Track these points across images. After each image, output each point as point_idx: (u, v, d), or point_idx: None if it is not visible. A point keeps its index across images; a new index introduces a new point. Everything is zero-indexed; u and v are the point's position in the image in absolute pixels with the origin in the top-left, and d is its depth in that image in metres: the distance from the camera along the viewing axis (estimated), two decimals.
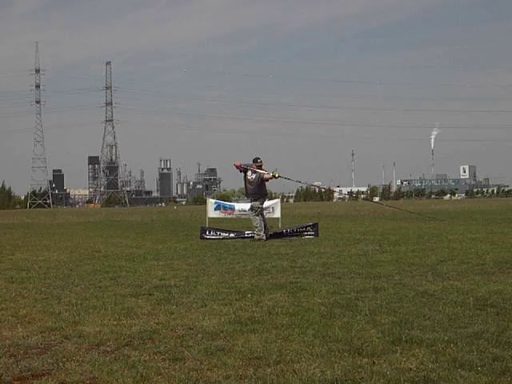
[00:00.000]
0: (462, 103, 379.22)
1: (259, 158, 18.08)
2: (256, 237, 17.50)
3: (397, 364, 4.81)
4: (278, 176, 18.25)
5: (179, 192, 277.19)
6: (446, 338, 5.46)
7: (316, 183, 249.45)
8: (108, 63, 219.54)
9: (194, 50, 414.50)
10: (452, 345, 5.25)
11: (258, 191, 17.96)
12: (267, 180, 18.03)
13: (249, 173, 17.95)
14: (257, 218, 17.65)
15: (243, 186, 18.63)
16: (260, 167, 17.98)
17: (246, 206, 20.43)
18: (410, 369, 4.69)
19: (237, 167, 18.17)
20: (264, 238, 17.40)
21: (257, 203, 17.83)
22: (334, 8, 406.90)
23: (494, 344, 5.27)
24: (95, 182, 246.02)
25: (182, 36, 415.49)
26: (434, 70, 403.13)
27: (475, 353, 5.02)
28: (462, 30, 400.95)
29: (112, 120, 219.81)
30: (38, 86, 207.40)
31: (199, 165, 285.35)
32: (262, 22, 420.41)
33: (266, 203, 19.54)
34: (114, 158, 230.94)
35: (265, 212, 18.86)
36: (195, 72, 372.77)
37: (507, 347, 5.18)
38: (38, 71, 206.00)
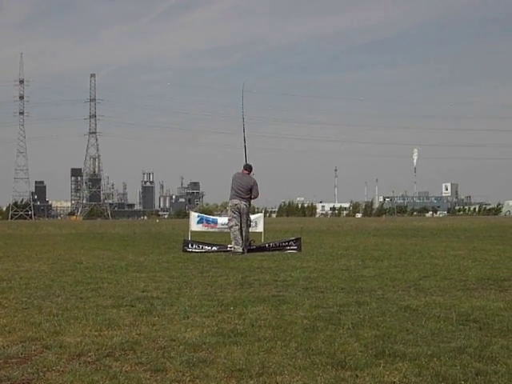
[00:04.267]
0: (445, 121, 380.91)
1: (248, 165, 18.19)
2: (232, 249, 17.47)
3: (380, 377, 4.79)
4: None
5: (162, 205, 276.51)
6: (429, 352, 5.45)
7: (299, 199, 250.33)
8: (93, 75, 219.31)
9: (180, 64, 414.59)
10: (435, 359, 5.25)
11: (247, 193, 17.87)
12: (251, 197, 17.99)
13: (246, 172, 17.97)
14: (236, 228, 17.55)
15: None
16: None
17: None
18: (394, 382, 4.68)
19: None
20: (240, 250, 17.32)
21: (244, 205, 17.74)
22: (319, 25, 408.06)
23: (476, 358, 5.27)
24: (77, 194, 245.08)
25: (168, 49, 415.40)
26: (417, 88, 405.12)
27: (458, 367, 5.02)
28: (445, 48, 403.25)
29: (95, 132, 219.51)
30: (21, 97, 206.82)
31: (182, 178, 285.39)
32: (248, 36, 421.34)
33: (251, 217, 19.46)
34: (96, 170, 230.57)
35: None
36: (180, 86, 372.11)
37: (490, 362, 5.18)
38: (21, 82, 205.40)
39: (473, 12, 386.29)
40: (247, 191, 17.86)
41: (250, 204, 18.18)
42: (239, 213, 17.75)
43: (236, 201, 17.80)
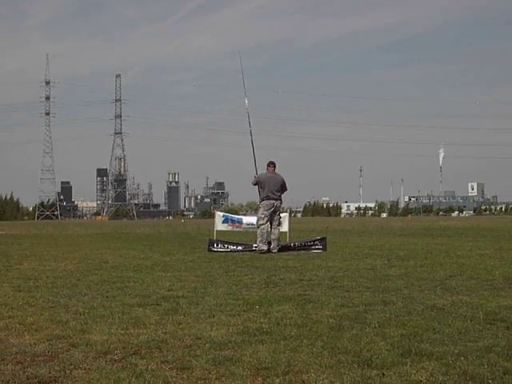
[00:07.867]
0: (470, 120, 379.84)
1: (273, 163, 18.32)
2: (257, 247, 17.56)
3: (406, 376, 4.76)
4: None
5: (187, 205, 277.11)
6: (456, 351, 5.41)
7: (324, 199, 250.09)
8: (118, 76, 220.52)
9: (206, 64, 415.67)
10: (462, 358, 5.21)
11: (279, 191, 18.08)
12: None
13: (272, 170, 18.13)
14: (266, 226, 17.70)
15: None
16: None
17: (254, 219, 20.25)
18: (420, 381, 4.65)
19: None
20: (265, 248, 17.40)
21: (279, 203, 17.89)
22: (345, 24, 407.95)
23: (504, 357, 5.22)
24: (103, 195, 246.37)
25: (194, 50, 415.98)
26: (443, 87, 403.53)
27: (486, 366, 4.98)
28: (473, 47, 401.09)
29: (121, 133, 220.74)
30: (47, 98, 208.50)
31: (207, 178, 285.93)
32: (274, 37, 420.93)
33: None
34: (122, 170, 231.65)
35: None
36: (206, 86, 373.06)
37: None
38: (48, 83, 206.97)
39: (500, 11, 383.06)
40: (279, 189, 18.20)
41: (281, 202, 18.38)
42: (273, 212, 17.99)
43: (272, 200, 18.10)
